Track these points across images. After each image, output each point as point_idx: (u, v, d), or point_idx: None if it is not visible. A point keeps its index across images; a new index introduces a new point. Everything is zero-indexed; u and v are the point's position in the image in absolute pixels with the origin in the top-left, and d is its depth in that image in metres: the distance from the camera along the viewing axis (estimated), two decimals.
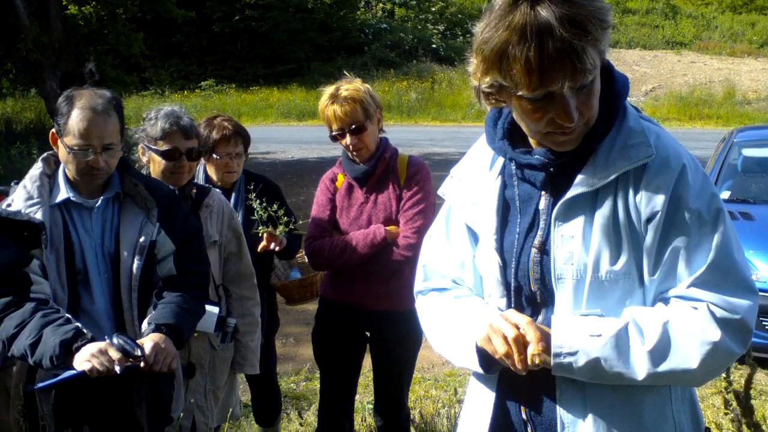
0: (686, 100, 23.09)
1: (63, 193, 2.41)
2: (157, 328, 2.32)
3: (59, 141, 2.38)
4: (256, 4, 26.25)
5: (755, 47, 28.93)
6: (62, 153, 2.39)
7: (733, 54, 28.33)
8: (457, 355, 1.69)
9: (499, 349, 1.52)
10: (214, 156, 3.44)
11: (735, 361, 1.51)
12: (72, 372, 2.17)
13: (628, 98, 1.59)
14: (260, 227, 3.32)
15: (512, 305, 1.63)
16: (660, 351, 1.45)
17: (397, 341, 3.20)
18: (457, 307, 1.71)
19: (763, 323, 5.05)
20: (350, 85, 3.06)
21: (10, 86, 18.61)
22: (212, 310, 2.83)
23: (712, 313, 1.46)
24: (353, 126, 3.01)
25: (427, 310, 1.81)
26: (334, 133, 3.06)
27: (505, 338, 1.50)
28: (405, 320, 3.15)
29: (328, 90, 3.09)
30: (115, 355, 2.16)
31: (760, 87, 24.34)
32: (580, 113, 1.44)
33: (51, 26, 14.43)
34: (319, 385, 3.44)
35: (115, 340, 2.19)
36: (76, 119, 2.31)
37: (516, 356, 1.49)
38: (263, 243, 3.38)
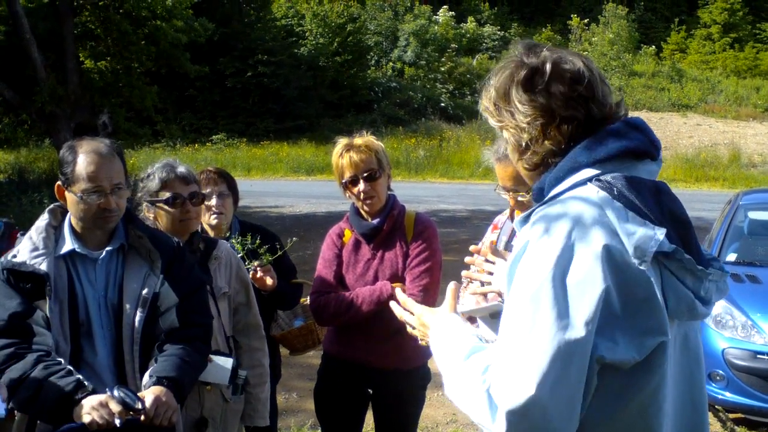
0: (692, 162, 23.24)
1: (68, 244, 2.42)
2: (159, 381, 2.31)
3: (66, 192, 2.40)
4: (268, 61, 26.80)
5: (760, 111, 29.26)
6: (72, 202, 2.40)
7: (737, 117, 28.64)
8: None
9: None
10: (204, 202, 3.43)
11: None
12: (72, 425, 2.15)
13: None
14: (248, 262, 3.27)
15: None
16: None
17: (400, 399, 3.16)
18: None
19: None
20: (366, 137, 3.11)
21: (24, 136, 18.86)
22: (225, 362, 2.81)
23: (489, 390, 1.38)
24: (366, 173, 3.03)
25: None
26: (345, 180, 3.07)
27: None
28: (409, 378, 3.12)
29: (343, 140, 3.12)
30: (115, 408, 2.14)
31: (766, 151, 24.52)
32: None
33: (67, 79, 14.76)
34: None
35: (115, 393, 2.17)
36: (83, 164, 2.34)
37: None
38: (257, 274, 3.27)
